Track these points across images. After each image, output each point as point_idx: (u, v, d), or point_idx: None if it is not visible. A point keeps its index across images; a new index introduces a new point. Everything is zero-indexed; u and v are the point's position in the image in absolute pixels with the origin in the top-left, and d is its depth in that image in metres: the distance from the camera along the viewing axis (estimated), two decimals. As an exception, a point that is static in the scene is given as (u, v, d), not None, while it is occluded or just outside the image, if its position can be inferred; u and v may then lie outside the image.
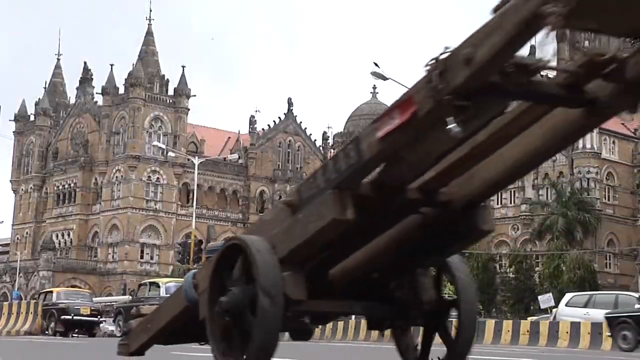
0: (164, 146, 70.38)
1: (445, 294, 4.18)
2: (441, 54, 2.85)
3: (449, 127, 2.82)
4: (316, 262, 3.72)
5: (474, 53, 2.76)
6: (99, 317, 27.04)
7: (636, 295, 23.40)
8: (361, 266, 3.83)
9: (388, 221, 3.63)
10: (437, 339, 4.13)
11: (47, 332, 25.18)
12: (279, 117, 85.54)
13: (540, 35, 2.95)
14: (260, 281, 3.45)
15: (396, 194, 3.42)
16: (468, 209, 3.49)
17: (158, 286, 25.42)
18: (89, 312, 25.98)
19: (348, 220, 3.33)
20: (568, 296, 25.23)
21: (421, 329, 4.18)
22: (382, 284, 3.99)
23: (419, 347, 4.17)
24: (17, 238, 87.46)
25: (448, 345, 4.01)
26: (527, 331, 22.48)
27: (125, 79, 78.15)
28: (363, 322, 26.81)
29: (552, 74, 3.26)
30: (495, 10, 2.86)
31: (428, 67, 2.88)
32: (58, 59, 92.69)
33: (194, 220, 54.31)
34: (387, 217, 3.60)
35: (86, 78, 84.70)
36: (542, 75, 3.22)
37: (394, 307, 4.00)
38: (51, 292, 29.71)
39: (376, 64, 34.56)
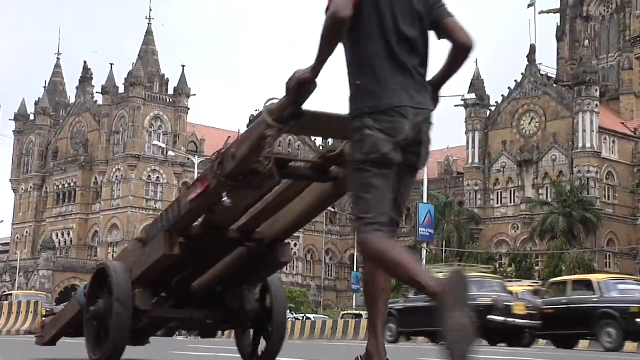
0: (164, 145, 70.42)
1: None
2: (222, 149, 4.30)
3: (223, 199, 4.30)
4: (179, 278, 5.17)
5: (236, 152, 4.17)
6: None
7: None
8: (210, 282, 5.25)
9: (223, 250, 5.03)
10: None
11: None
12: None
13: None
14: (115, 294, 4.80)
15: (219, 234, 4.83)
16: (273, 245, 4.96)
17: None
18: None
19: (176, 255, 4.71)
20: None
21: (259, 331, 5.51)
22: (222, 296, 5.39)
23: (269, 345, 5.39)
24: (17, 237, 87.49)
25: (267, 342, 5.38)
26: (528, 330, 22.43)
27: (125, 79, 78.20)
28: (363, 322, 26.80)
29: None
30: (249, 124, 4.58)
31: (213, 157, 4.33)
32: (58, 59, 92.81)
33: (194, 219, 54.25)
34: (221, 248, 5.00)
35: (86, 77, 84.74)
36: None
37: (226, 314, 5.45)
38: (11, 294, 30.49)
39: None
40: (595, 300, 17.02)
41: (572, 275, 26.00)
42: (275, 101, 4.04)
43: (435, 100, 3.93)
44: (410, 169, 3.89)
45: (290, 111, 3.96)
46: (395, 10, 3.68)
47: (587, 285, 17.99)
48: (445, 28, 3.90)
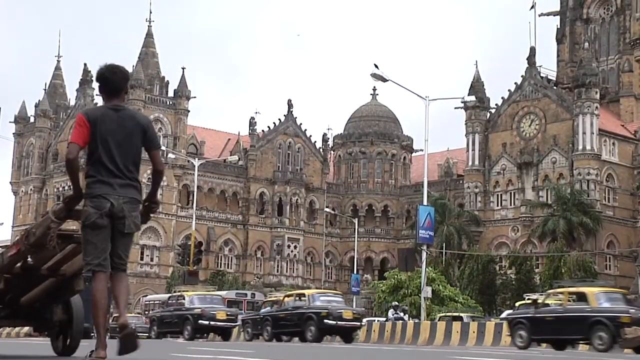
0: (164, 148, 70.40)
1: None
2: (31, 228, 7.11)
3: (28, 259, 7.39)
4: (11, 295, 7.80)
5: (35, 232, 6.99)
6: None
7: None
8: (31, 300, 7.93)
9: (37, 281, 7.77)
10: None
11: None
12: (279, 119, 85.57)
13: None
14: None
15: (33, 272, 7.58)
16: (72, 277, 7.71)
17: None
18: None
19: (1, 287, 7.55)
20: None
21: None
22: (39, 310, 8.07)
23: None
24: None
25: (70, 341, 7.98)
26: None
27: (126, 81, 78.15)
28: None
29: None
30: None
31: (22, 232, 7.04)
32: (58, 61, 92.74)
33: (194, 221, 54.32)
34: (36, 280, 7.74)
35: (86, 80, 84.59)
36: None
37: (42, 322, 8.27)
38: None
39: (376, 66, 34.56)
40: (589, 310, 19.37)
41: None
42: (59, 206, 6.90)
43: (149, 210, 6.64)
44: (121, 233, 6.42)
45: (65, 214, 6.89)
46: (113, 138, 6.34)
47: (581, 296, 20.32)
48: (150, 156, 6.58)
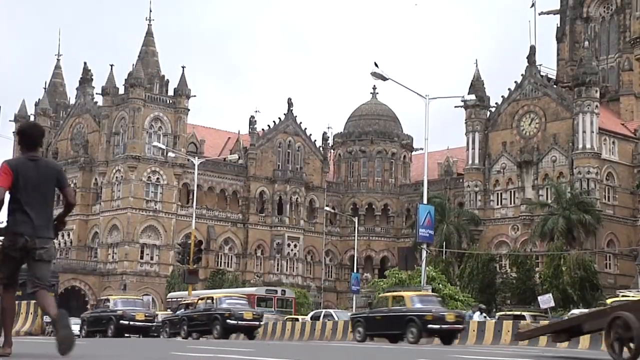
0: (163, 146, 70.36)
1: None
2: None
3: None
4: None
5: None
6: None
7: None
8: None
9: None
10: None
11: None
12: (279, 118, 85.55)
13: None
14: None
15: None
16: None
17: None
18: None
19: None
20: None
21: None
22: None
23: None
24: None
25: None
26: (528, 331, 22.44)
27: (125, 80, 78.13)
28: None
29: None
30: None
31: None
32: (58, 59, 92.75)
33: (194, 220, 54.28)
34: None
35: (86, 78, 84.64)
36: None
37: None
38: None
39: (376, 64, 34.52)
40: (405, 310, 24.29)
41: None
42: None
43: (56, 228, 8.08)
44: (35, 259, 7.79)
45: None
46: (31, 183, 7.79)
47: (400, 299, 25.37)
48: (63, 193, 8.18)
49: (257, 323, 28.74)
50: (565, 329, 14.15)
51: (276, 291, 49.15)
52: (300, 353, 13.35)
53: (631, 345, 10.32)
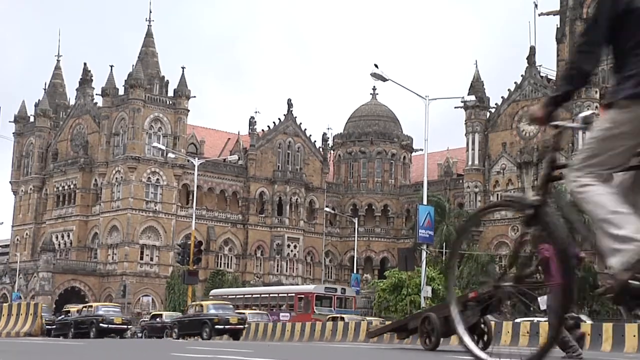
0: (163, 147, 70.38)
1: None
2: None
3: None
4: None
5: None
6: None
7: None
8: None
9: None
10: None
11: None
12: (279, 118, 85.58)
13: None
14: None
15: None
16: None
17: (202, 307, 34.01)
18: None
19: None
20: None
21: None
22: None
23: None
24: (17, 239, 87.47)
25: None
26: (527, 332, 22.46)
27: (125, 80, 78.17)
28: (363, 324, 26.93)
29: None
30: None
31: None
32: (58, 60, 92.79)
33: (193, 221, 54.27)
34: None
35: (86, 79, 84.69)
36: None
37: None
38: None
39: (376, 65, 34.56)
40: (203, 315, 31.99)
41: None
42: None
43: None
44: None
45: None
46: None
47: (201, 307, 33.34)
48: None
49: (242, 326, 32.21)
50: (398, 327, 17.92)
51: (335, 289, 48.98)
52: (300, 353, 13.36)
53: (432, 337, 15.14)
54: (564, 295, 3.84)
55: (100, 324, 33.28)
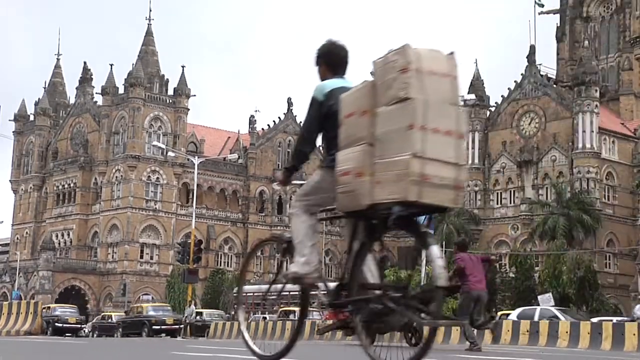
0: (163, 146, 70.35)
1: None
2: None
3: None
4: None
5: None
6: None
7: None
8: None
9: None
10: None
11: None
12: (279, 117, 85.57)
13: None
14: None
15: None
16: None
17: (142, 309, 38.58)
18: None
19: None
20: None
21: None
22: None
23: None
24: (17, 238, 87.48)
25: None
26: (527, 331, 22.46)
27: (125, 79, 78.14)
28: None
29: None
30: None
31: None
32: (58, 59, 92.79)
33: (193, 220, 54.25)
34: None
35: (86, 78, 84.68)
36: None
37: None
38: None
39: (376, 64, 34.49)
40: (143, 316, 36.10)
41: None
42: None
43: None
44: None
45: None
46: None
47: (140, 309, 37.90)
48: None
49: (177, 326, 35.85)
50: (342, 325, 17.47)
51: None
52: (300, 353, 13.36)
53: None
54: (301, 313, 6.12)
55: (56, 324, 36.66)
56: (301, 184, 6.23)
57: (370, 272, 5.66)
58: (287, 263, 5.94)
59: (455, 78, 5.11)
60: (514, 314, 30.58)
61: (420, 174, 4.80)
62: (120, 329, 36.64)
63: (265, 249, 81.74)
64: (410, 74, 4.99)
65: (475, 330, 15.87)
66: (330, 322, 5.95)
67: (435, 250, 5.18)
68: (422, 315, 5.16)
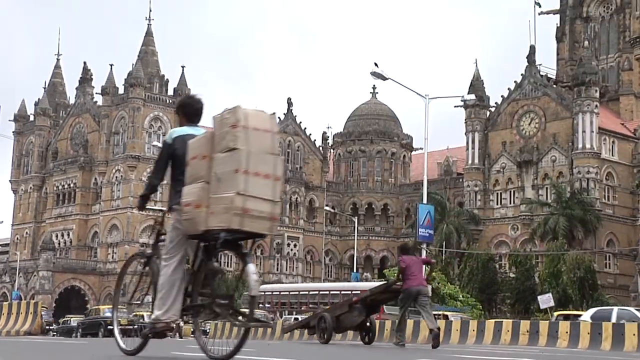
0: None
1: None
2: None
3: None
4: None
5: None
6: None
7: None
8: None
9: None
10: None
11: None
12: (279, 117, 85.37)
13: None
14: None
15: None
16: None
17: (99, 311, 39.26)
18: None
19: None
20: None
21: None
22: None
23: None
24: (17, 238, 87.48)
25: None
26: (527, 331, 22.46)
27: (125, 79, 78.15)
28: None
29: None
30: None
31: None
32: (58, 59, 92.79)
33: (193, 220, 54.29)
34: None
35: (86, 78, 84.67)
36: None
37: None
38: None
39: (376, 64, 34.53)
40: (100, 317, 36.77)
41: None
42: None
43: None
44: None
45: None
46: None
47: (99, 310, 39.65)
48: None
49: (131, 327, 38.80)
50: (305, 324, 20.66)
51: None
52: (300, 352, 13.38)
53: (326, 333, 18.12)
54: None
55: None
56: (155, 209, 7.95)
57: (211, 282, 6.86)
58: (146, 274, 7.52)
59: (274, 133, 6.50)
60: (586, 315, 28.54)
61: (242, 208, 6.22)
62: (80, 330, 37.82)
63: (265, 249, 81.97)
64: (238, 130, 6.29)
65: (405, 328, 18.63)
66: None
67: (252, 267, 6.46)
68: (239, 318, 6.60)
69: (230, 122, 6.40)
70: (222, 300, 6.68)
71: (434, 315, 39.37)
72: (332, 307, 20.33)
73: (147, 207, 7.86)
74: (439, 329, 16.89)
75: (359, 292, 46.54)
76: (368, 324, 18.21)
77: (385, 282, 20.14)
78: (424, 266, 17.73)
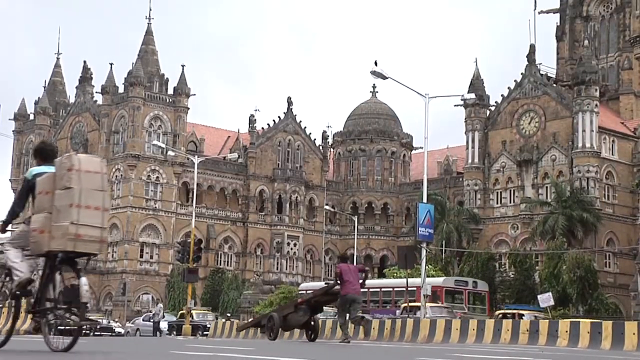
0: (163, 145, 70.34)
1: None
2: None
3: None
4: None
5: None
6: None
7: None
8: None
9: None
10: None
11: None
12: (279, 116, 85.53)
13: None
14: None
15: None
16: None
17: None
18: None
19: None
20: None
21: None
22: None
23: None
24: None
25: None
26: (527, 330, 22.46)
27: (125, 78, 78.12)
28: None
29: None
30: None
31: None
32: (58, 58, 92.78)
33: (193, 219, 54.28)
34: None
35: (86, 77, 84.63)
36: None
37: None
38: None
39: (376, 63, 34.48)
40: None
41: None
42: None
43: None
44: None
45: None
46: None
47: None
48: None
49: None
50: (257, 323, 22.17)
51: (467, 282, 44.73)
52: (300, 351, 13.38)
53: (273, 331, 19.63)
54: None
55: None
56: (12, 231, 9.63)
57: (53, 291, 8.57)
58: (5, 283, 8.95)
59: (104, 174, 9.06)
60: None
61: (75, 234, 8.08)
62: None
63: (265, 248, 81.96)
64: (73, 172, 8.23)
65: (353, 326, 21.02)
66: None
67: (83, 280, 8.57)
68: (73, 318, 8.45)
69: (66, 166, 8.30)
70: (63, 304, 8.49)
71: (505, 314, 39.52)
72: (280, 307, 23.04)
73: (7, 229, 9.62)
74: (350, 340, 19.28)
75: (432, 290, 44.90)
76: (312, 323, 19.97)
77: (325, 285, 20.92)
78: (359, 273, 19.48)
